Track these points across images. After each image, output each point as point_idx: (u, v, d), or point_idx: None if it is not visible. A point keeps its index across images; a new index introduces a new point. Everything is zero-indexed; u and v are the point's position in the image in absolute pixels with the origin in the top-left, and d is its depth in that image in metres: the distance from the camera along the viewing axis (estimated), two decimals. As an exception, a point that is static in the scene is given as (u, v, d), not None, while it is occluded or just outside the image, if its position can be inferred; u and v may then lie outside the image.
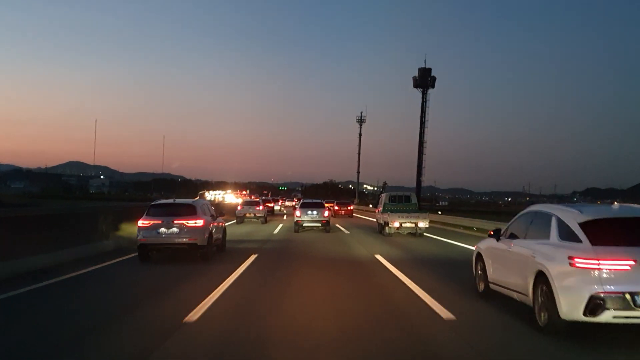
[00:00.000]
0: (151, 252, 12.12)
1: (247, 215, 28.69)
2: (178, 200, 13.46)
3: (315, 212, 22.78)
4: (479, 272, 8.30)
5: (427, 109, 66.28)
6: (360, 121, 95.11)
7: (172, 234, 11.79)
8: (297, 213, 22.93)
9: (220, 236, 14.22)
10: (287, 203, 78.52)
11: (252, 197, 48.29)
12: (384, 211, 21.16)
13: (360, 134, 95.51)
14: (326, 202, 30.45)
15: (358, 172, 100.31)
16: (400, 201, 22.05)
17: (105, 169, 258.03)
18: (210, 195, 56.20)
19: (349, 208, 41.24)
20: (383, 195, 24.15)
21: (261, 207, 29.17)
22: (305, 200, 27.56)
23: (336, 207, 40.46)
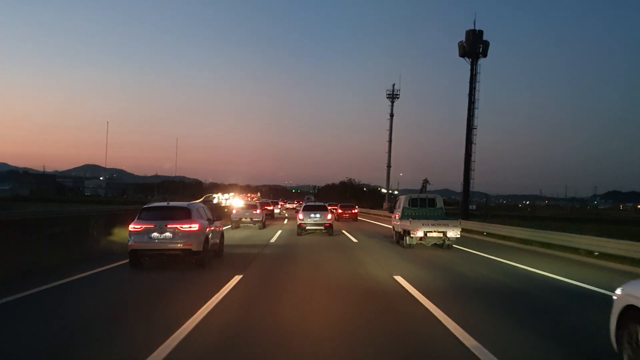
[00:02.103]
0: (143, 258, 11.37)
1: (243, 219, 26.60)
2: (172, 203, 12.67)
3: (318, 215, 22.64)
4: (637, 346, 4.35)
5: (477, 84, 48.74)
6: (392, 96, 70.25)
7: (165, 238, 11.02)
8: (300, 216, 22.76)
9: (218, 241, 13.46)
10: (288, 205, 77.49)
11: (254, 199, 47.22)
12: (404, 217, 17.63)
13: (391, 115, 69.84)
14: (329, 205, 29.84)
15: (389, 167, 72.11)
16: (423, 205, 18.34)
17: (121, 172, 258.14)
18: (215, 198, 55.07)
19: (353, 211, 39.61)
20: (401, 197, 19.80)
21: (258, 211, 27.06)
22: (308, 204, 27.06)
23: (340, 210, 39.12)
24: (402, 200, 18.99)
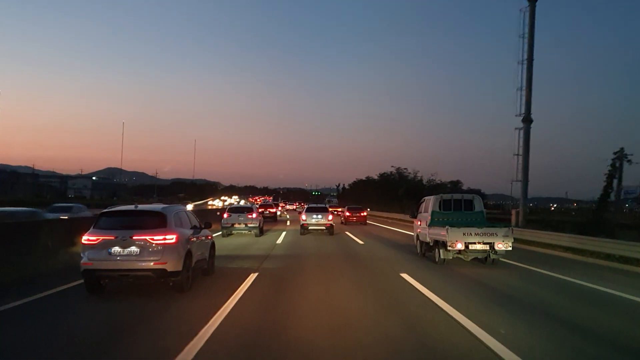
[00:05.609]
0: (103, 280, 8.46)
1: (236, 225, 22.69)
2: (141, 207, 9.55)
3: (319, 216, 24.27)
4: None
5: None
6: None
7: (130, 255, 8.12)
8: (303, 217, 24.42)
9: (206, 255, 10.58)
10: (288, 207, 75.48)
11: (258, 200, 44.91)
12: (435, 224, 14.06)
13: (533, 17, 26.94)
14: (330, 207, 30.72)
15: (527, 121, 27.25)
16: (457, 207, 14.57)
17: (142, 175, 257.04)
18: (218, 201, 52.49)
19: (362, 214, 36.24)
20: (429, 199, 15.54)
21: (254, 215, 23.01)
22: (310, 205, 28.04)
23: (347, 213, 35.86)
24: (431, 203, 14.98)
